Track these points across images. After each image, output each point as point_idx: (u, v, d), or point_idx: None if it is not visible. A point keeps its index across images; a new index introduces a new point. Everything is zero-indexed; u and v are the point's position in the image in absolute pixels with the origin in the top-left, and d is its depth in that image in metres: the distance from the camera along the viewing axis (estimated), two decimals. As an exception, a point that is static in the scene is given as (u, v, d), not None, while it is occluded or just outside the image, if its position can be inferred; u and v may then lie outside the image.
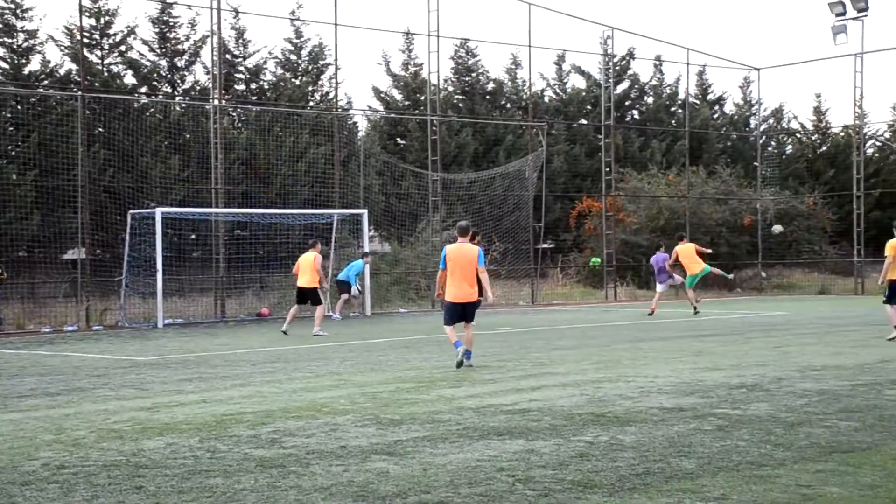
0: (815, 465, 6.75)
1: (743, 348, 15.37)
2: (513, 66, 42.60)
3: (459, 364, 12.89)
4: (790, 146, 50.50)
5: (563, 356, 14.52)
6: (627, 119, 44.85)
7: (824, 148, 49.99)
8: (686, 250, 24.50)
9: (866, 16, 35.50)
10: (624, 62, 44.17)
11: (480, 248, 13.60)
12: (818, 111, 51.39)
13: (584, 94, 44.05)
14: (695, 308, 24.18)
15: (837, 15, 35.64)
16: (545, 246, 36.82)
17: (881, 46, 37.91)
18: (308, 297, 19.97)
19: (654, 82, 45.77)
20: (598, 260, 35.20)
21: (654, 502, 5.84)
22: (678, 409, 9.23)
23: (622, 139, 41.55)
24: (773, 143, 48.73)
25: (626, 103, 45.02)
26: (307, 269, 19.81)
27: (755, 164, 41.32)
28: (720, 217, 37.66)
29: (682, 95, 43.24)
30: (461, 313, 13.25)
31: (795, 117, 62.18)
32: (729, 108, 48.90)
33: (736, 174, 40.17)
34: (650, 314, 24.19)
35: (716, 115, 47.71)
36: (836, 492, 6.01)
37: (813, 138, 50.69)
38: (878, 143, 50.10)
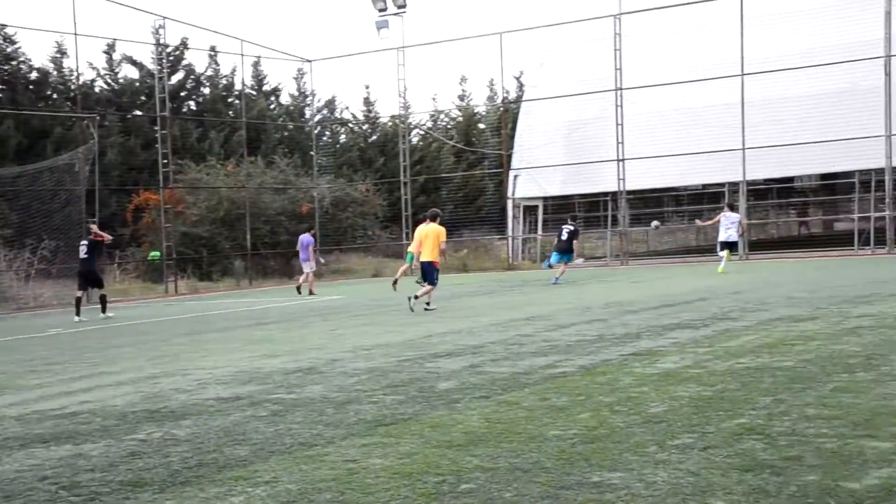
0: (361, 440, 7.09)
1: (301, 333, 15.76)
2: (59, 55, 40.25)
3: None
4: (343, 135, 52.61)
5: (119, 354, 14.04)
6: (184, 110, 44.19)
7: (374, 137, 52.66)
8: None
9: (405, 12, 37.85)
10: (178, 52, 43.39)
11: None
12: (368, 102, 54.03)
13: (137, 84, 42.70)
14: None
15: (380, 11, 37.63)
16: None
17: (420, 41, 40.50)
18: None
19: (209, 73, 45.48)
20: (158, 254, 34.33)
21: (205, 494, 5.83)
22: (235, 398, 9.28)
23: (179, 130, 40.83)
24: (327, 132, 50.45)
25: (182, 94, 44.32)
26: None
27: (311, 153, 42.53)
28: (279, 206, 38.29)
29: (238, 86, 43.39)
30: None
31: (347, 108, 64.88)
32: (285, 98, 49.92)
33: (293, 164, 41.08)
34: (311, 294, 26.41)
35: (272, 106, 48.43)
36: (379, 462, 6.37)
37: (364, 128, 53.19)
38: (421, 132, 53.68)
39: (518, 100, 49.25)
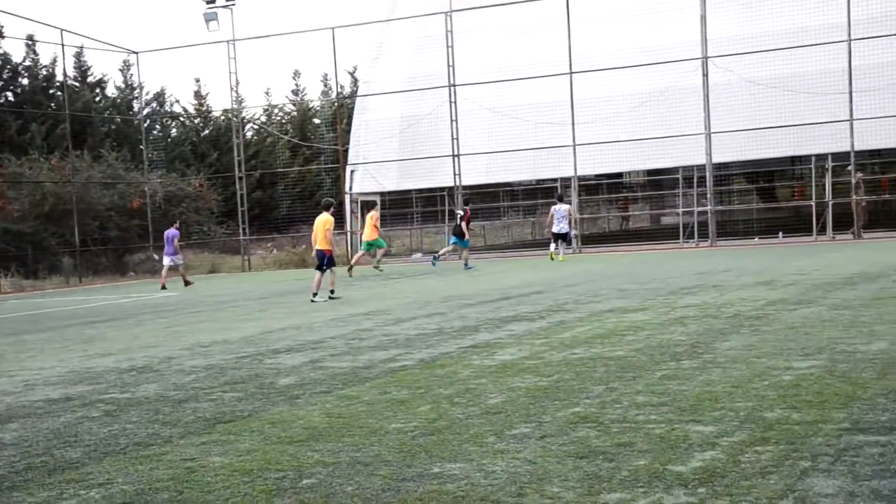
0: (199, 438, 6.99)
1: (135, 331, 15.37)
2: None
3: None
4: (175, 129, 51.27)
5: (-63, 358, 13.32)
6: (1, 101, 42.09)
7: (207, 131, 51.57)
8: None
9: (234, 5, 37.20)
10: (-7, 40, 41.33)
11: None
12: (199, 95, 52.82)
13: (-52, 72, 40.47)
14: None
15: (208, 3, 36.84)
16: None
17: (251, 34, 39.94)
18: None
19: (28, 63, 43.43)
20: (-22, 251, 32.70)
21: (34, 498, 5.63)
22: (65, 399, 8.99)
23: (-3, 122, 38.89)
24: (157, 126, 49.07)
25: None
26: None
27: (141, 147, 41.31)
28: (109, 201, 37.05)
29: (60, 77, 41.61)
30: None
31: (178, 101, 63.25)
32: (111, 91, 48.18)
33: (123, 158, 39.78)
34: (162, 288, 26.73)
35: (98, 99, 46.68)
36: (218, 461, 6.29)
37: (196, 122, 52.00)
38: (255, 127, 52.93)
39: (353, 95, 49.23)
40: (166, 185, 39.40)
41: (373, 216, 28.34)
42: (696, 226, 32.87)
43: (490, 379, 8.68)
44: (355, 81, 56.49)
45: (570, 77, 32.93)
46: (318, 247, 19.45)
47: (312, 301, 18.42)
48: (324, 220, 19.33)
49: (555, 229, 27.92)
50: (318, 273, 19.28)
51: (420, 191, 39.68)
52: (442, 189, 37.66)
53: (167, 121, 50.89)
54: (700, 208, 33.08)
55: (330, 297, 18.82)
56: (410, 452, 6.18)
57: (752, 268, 20.22)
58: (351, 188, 37.78)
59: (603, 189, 43.38)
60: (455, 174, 34.87)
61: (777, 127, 31.03)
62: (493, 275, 24.18)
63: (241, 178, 38.23)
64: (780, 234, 32.58)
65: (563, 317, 13.28)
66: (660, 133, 32.36)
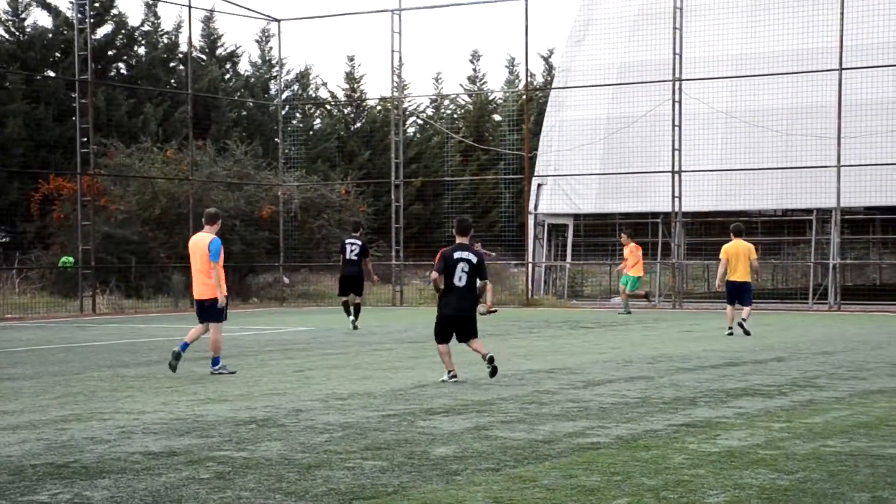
0: (331, 517, 7.13)
1: (256, 373, 15.77)
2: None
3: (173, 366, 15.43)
4: (319, 120, 52.74)
5: (17, 389, 14.03)
6: (112, 74, 44.29)
7: (359, 124, 52.81)
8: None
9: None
10: (107, -2, 43.60)
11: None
12: (352, 78, 54.19)
13: (51, 35, 42.77)
14: None
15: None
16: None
17: (421, 3, 40.68)
18: None
19: (146, 28, 45.55)
20: (72, 259, 34.37)
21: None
22: (169, 454, 9.30)
23: (105, 100, 40.95)
24: (298, 114, 50.58)
25: (111, 53, 44.46)
26: None
27: (276, 140, 42.54)
28: (233, 206, 38.24)
29: (183, 47, 43.45)
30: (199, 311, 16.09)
31: (325, 84, 65.31)
32: (244, 67, 50.05)
33: (253, 152, 41.10)
34: None
35: (228, 77, 48.53)
36: (355, 547, 6.41)
37: (346, 111, 53.35)
38: (420, 122, 53.89)
39: (546, 86, 49.52)
40: (305, 189, 40.46)
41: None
42: None
43: (710, 470, 8.54)
44: (550, 69, 56.94)
45: (840, 74, 32.13)
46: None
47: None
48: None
49: None
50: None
51: (626, 215, 39.45)
52: (655, 215, 37.34)
53: (310, 108, 52.47)
54: None
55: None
56: (602, 560, 6.13)
57: None
58: (537, 206, 37.93)
59: (875, 227, 42.06)
60: (674, 196, 34.51)
61: None
62: (718, 331, 23.77)
63: (397, 187, 38.94)
64: None
65: (813, 395, 12.93)
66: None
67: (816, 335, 22.30)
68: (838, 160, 31.82)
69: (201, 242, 15.92)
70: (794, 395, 12.89)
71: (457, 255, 14.50)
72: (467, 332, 14.80)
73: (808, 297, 33.95)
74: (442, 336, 14.68)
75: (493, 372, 14.51)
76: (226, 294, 15.98)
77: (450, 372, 14.60)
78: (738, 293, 22.17)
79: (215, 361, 15.86)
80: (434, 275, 14.67)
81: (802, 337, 21.75)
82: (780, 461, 8.88)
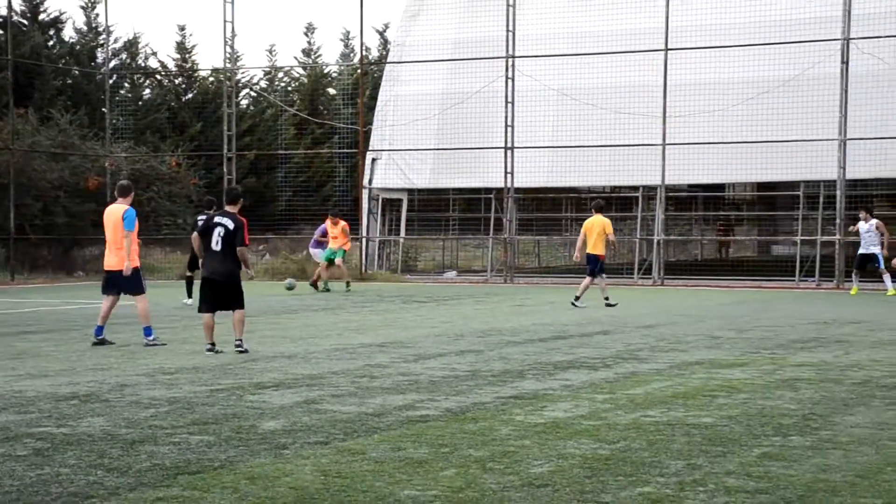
0: (155, 493, 7.04)
1: (79, 347, 15.52)
2: None
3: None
4: (149, 90, 51.77)
5: None
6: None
7: (190, 95, 52.01)
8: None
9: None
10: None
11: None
12: (183, 48, 53.29)
13: None
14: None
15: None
16: None
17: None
18: None
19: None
20: None
21: (-60, 555, 5.70)
22: (-15, 431, 9.11)
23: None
24: (126, 83, 49.57)
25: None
26: None
27: (104, 109, 41.65)
28: (58, 177, 37.35)
29: (3, 11, 42.10)
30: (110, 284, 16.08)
31: (154, 54, 64.13)
32: (69, 33, 48.74)
33: (79, 122, 40.21)
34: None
35: (51, 43, 47.20)
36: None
37: (177, 82, 52.47)
38: (253, 94, 53.34)
39: (381, 61, 49.47)
40: (134, 160, 39.70)
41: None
42: (818, 259, 32.68)
43: (535, 441, 8.69)
44: (385, 44, 56.91)
45: (665, 55, 32.87)
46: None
47: None
48: None
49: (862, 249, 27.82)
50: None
51: (459, 191, 39.74)
52: (488, 190, 37.70)
53: (139, 78, 51.44)
54: (825, 237, 32.90)
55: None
56: (427, 530, 6.20)
57: (895, 321, 20.07)
58: (371, 181, 37.93)
59: (697, 204, 43.21)
60: (506, 172, 34.88)
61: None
62: (547, 305, 24.17)
63: (229, 159, 38.51)
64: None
65: (635, 367, 13.26)
66: (779, 135, 32.23)
67: (640, 309, 22.83)
68: (664, 139, 32.57)
69: (115, 213, 16.02)
70: (618, 368, 13.19)
71: (217, 219, 15.06)
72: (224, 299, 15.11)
73: (633, 272, 34.70)
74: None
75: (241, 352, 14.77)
76: (138, 265, 16.06)
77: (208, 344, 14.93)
78: (592, 264, 23.54)
79: (148, 331, 15.85)
80: (194, 236, 15.48)
81: (627, 311, 22.24)
82: (602, 431, 9.08)
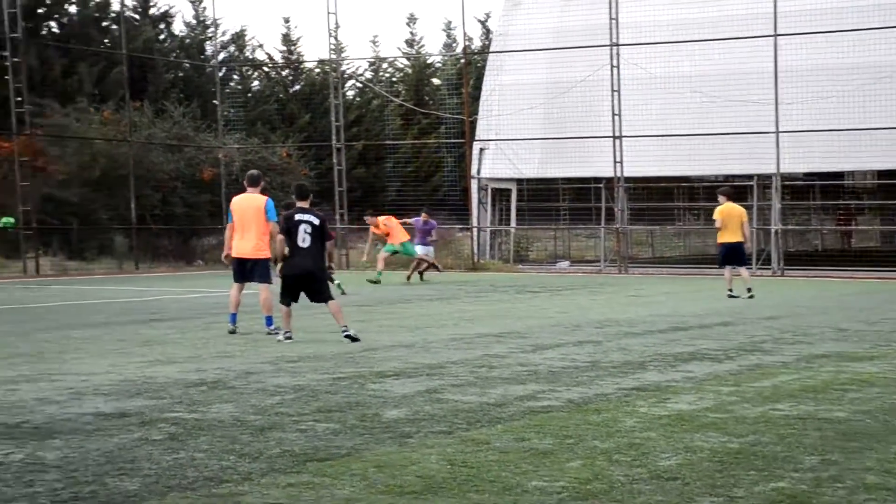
0: (286, 478, 7.14)
1: (204, 336, 15.79)
2: None
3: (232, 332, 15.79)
4: (257, 82, 52.33)
5: (-39, 351, 13.96)
6: (44, 32, 43.59)
7: (298, 87, 52.44)
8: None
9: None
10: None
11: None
12: (288, 40, 53.76)
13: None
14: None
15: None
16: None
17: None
18: None
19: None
20: (13, 220, 33.90)
21: (87, 537, 5.85)
22: (120, 415, 9.30)
23: (38, 59, 40.26)
24: (235, 76, 50.15)
25: (41, 11, 43.65)
26: None
27: (215, 102, 42.21)
28: (174, 169, 37.96)
29: (115, 6, 42.85)
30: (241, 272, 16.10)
31: (261, 46, 64.71)
32: (179, 27, 49.48)
33: (192, 114, 40.77)
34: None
35: (162, 37, 47.90)
36: (311, 509, 6.44)
37: (284, 73, 52.94)
38: (358, 85, 53.63)
39: (484, 50, 49.34)
40: (245, 152, 40.14)
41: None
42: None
43: (661, 433, 8.62)
44: (487, 33, 56.77)
45: (775, 40, 32.33)
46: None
47: None
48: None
49: None
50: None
51: (568, 180, 39.54)
52: (598, 180, 37.47)
53: (247, 70, 52.02)
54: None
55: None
56: (559, 521, 6.20)
57: None
58: (479, 171, 37.92)
59: (815, 193, 42.49)
60: (615, 161, 34.61)
61: None
62: (664, 296, 23.99)
63: (338, 150, 38.78)
64: None
65: (760, 359, 13.08)
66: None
67: (761, 300, 22.55)
68: (776, 126, 32.03)
69: (255, 202, 15.93)
70: (742, 360, 13.02)
71: (298, 217, 14.93)
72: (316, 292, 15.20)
73: (752, 263, 34.26)
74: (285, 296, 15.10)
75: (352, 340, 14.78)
76: (269, 255, 16.11)
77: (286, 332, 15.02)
78: (733, 254, 22.79)
79: (269, 321, 15.96)
80: (280, 237, 15.04)
81: (747, 302, 21.97)
82: (729, 424, 8.97)
